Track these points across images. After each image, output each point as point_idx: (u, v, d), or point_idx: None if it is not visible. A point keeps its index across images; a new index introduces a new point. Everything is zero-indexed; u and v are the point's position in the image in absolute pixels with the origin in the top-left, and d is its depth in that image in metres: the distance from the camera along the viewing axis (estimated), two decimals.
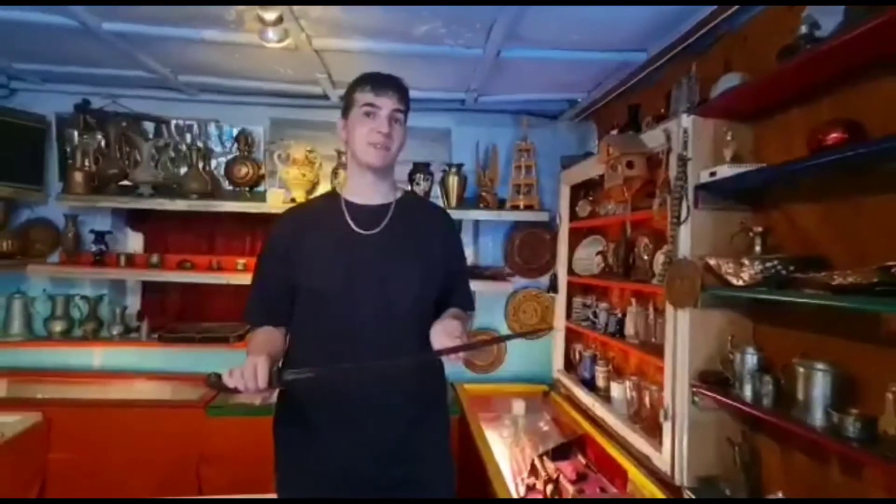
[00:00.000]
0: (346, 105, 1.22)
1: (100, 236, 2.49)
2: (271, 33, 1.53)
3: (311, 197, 1.40)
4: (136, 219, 2.71)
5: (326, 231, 1.22)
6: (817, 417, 1.07)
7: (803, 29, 1.17)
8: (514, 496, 1.87)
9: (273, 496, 1.25)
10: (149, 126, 2.65)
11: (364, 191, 1.24)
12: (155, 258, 2.55)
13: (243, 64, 2.12)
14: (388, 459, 1.18)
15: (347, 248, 1.19)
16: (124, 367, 2.55)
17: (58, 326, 2.50)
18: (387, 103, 1.16)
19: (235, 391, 0.98)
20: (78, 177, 2.42)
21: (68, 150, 2.53)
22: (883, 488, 1.05)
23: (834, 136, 1.05)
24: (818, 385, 1.08)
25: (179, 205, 2.45)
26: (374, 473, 1.17)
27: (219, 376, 0.98)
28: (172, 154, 2.58)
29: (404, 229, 1.23)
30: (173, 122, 2.67)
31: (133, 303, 2.70)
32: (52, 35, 1.88)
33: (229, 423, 2.17)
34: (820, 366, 1.08)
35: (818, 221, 1.25)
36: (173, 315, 2.69)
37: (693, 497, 1.40)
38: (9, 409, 2.08)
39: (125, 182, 2.52)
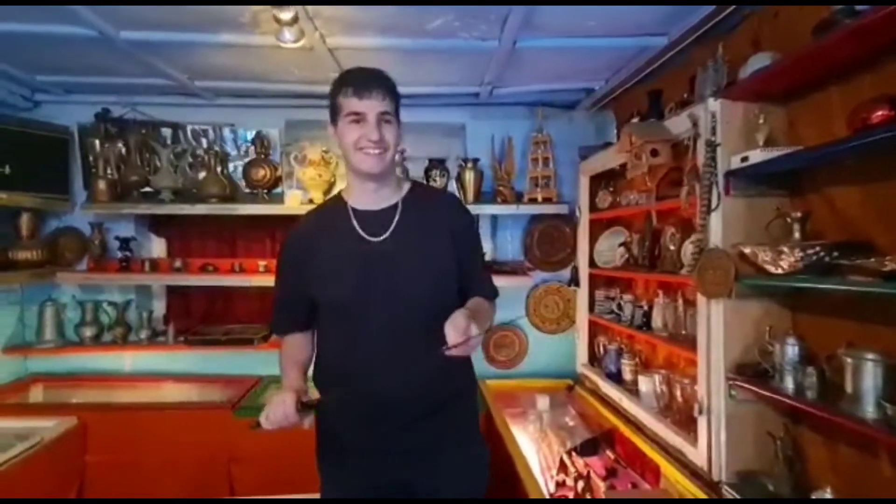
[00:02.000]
0: (333, 111, 1.15)
1: (124, 243, 2.54)
2: (287, 33, 1.52)
3: (319, 204, 1.35)
4: (159, 224, 2.75)
5: (335, 241, 1.19)
6: (868, 410, 1.02)
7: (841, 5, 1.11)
8: (545, 493, 1.85)
9: (301, 496, 1.28)
10: (167, 132, 2.68)
11: (367, 197, 1.20)
12: (178, 263, 2.58)
13: (258, 66, 2.12)
14: (418, 459, 1.18)
15: (357, 257, 1.16)
16: (153, 370, 2.60)
17: (88, 332, 2.55)
18: (373, 106, 1.09)
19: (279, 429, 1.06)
20: (102, 185, 2.46)
21: (91, 158, 2.58)
22: None
23: (880, 113, 0.99)
24: (868, 376, 1.03)
25: (199, 209, 2.47)
26: (406, 475, 1.18)
27: (258, 423, 1.08)
28: (190, 159, 2.61)
29: (413, 230, 1.19)
30: (190, 127, 2.70)
31: (159, 307, 2.74)
32: (72, 46, 1.91)
33: None
34: (870, 356, 1.03)
35: (860, 204, 1.19)
36: (198, 318, 2.73)
37: (733, 493, 1.36)
38: (46, 413, 2.14)
39: (147, 188, 2.56)
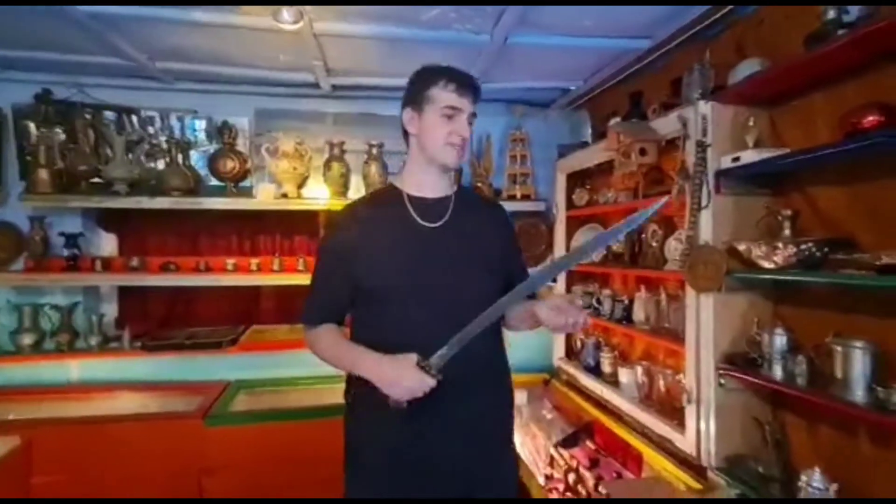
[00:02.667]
0: (420, 99, 1.16)
1: (71, 239, 2.29)
2: (286, 13, 1.42)
3: (368, 192, 1.36)
4: (109, 219, 2.50)
5: (390, 227, 1.18)
6: (858, 394, 1.11)
7: (831, 13, 1.18)
8: (539, 487, 1.87)
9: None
10: (111, 116, 2.43)
11: (427, 185, 1.22)
12: (135, 261, 2.37)
13: (233, 49, 1.98)
14: (465, 439, 1.16)
15: (414, 242, 1.17)
16: (105, 379, 2.36)
17: (27, 339, 2.29)
18: (468, 106, 1.15)
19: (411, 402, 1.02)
20: (43, 174, 2.20)
21: (27, 145, 2.30)
22: None
23: (870, 119, 1.07)
24: (858, 363, 1.11)
25: (160, 202, 2.28)
26: (451, 451, 1.15)
27: (396, 402, 1.02)
28: (147, 148, 2.40)
29: (466, 221, 1.21)
30: (146, 113, 2.48)
31: (110, 310, 2.51)
32: (11, 16, 1.68)
33: (230, 431, 2.06)
34: (859, 344, 1.12)
35: (843, 203, 1.28)
36: (157, 321, 2.52)
37: (722, 476, 1.43)
38: None
39: (97, 179, 2.32)
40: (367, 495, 1.18)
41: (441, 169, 1.20)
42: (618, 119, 2.16)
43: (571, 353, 2.64)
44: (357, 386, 1.17)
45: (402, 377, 1.02)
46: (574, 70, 2.30)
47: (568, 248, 2.61)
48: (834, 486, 1.18)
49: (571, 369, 2.49)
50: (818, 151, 1.16)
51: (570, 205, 2.61)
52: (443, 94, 1.13)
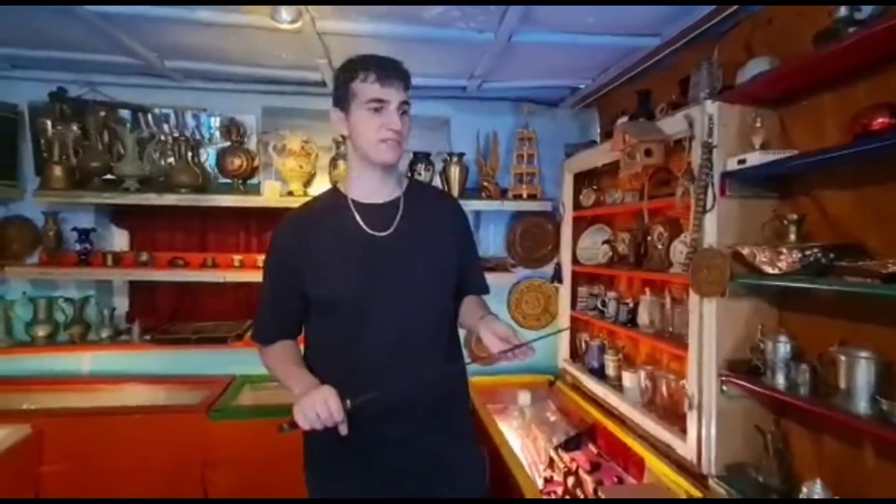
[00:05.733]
0: (344, 95, 1.09)
1: (84, 234, 2.34)
2: (284, 13, 1.43)
3: (313, 196, 1.27)
4: (121, 215, 2.55)
5: (336, 235, 1.13)
6: (861, 405, 1.07)
7: (842, 11, 1.14)
8: (537, 490, 1.86)
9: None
10: (126, 114, 2.48)
11: (372, 189, 1.15)
12: (145, 256, 2.41)
13: (238, 48, 1.99)
14: (417, 456, 1.14)
15: (361, 253, 1.11)
16: (115, 371, 2.42)
17: (41, 331, 2.35)
18: (395, 95, 1.06)
19: (312, 431, 0.95)
20: (57, 171, 2.26)
21: (43, 142, 2.35)
22: None
23: (881, 121, 1.03)
24: (862, 373, 1.07)
25: (169, 199, 2.32)
26: (406, 471, 1.13)
27: (292, 424, 0.96)
28: (158, 145, 2.44)
29: (416, 226, 1.16)
30: (157, 111, 2.52)
31: (121, 304, 2.56)
32: (24, 17, 1.72)
33: (233, 426, 2.09)
34: (864, 354, 1.08)
35: (852, 208, 1.24)
36: (166, 315, 2.56)
37: (722, 486, 1.40)
38: None
39: (109, 176, 2.36)
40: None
41: (382, 169, 1.13)
42: (625, 118, 2.12)
43: (576, 355, 2.61)
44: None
45: (310, 404, 0.94)
46: (582, 68, 2.27)
47: (574, 249, 2.59)
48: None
49: (576, 371, 2.47)
50: (825, 154, 1.12)
51: (577, 205, 2.58)
52: (364, 87, 1.05)
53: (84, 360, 2.41)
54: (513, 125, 2.76)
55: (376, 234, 1.12)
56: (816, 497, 1.15)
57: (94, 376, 2.40)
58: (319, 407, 0.93)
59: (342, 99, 1.10)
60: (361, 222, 1.13)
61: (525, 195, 2.67)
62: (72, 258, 2.37)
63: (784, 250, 1.20)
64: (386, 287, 1.10)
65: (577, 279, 2.61)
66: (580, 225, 2.58)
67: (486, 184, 2.70)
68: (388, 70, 1.06)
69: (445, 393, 1.18)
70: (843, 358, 1.12)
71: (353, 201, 1.15)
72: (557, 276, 2.70)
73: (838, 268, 1.12)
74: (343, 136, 1.17)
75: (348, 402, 0.96)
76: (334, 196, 1.19)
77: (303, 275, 1.11)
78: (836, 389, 1.13)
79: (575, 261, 2.58)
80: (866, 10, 1.12)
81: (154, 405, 2.22)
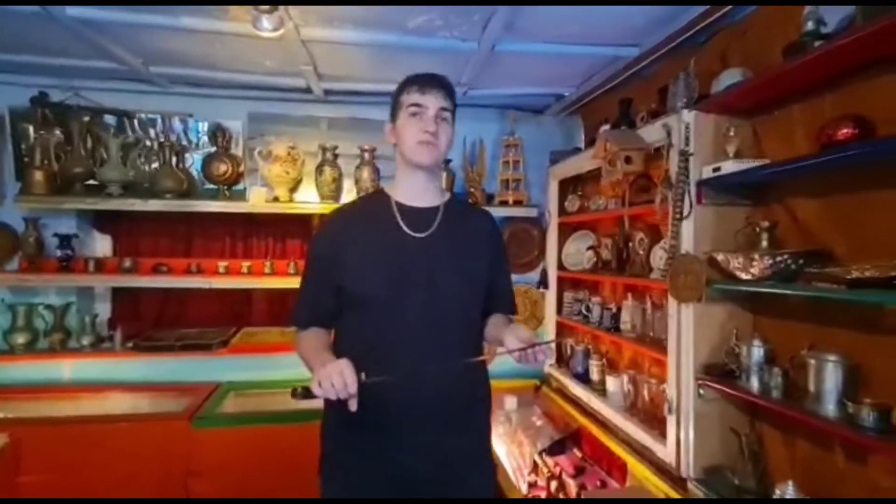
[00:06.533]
0: (394, 109, 1.21)
1: (65, 240, 2.31)
2: (266, 21, 1.44)
3: (357, 197, 1.35)
4: (104, 220, 2.53)
5: (376, 232, 1.19)
6: (829, 408, 1.10)
7: (809, 25, 1.18)
8: (521, 495, 1.87)
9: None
10: (113, 121, 2.47)
11: (414, 192, 1.22)
12: (128, 262, 2.39)
13: (223, 54, 2.00)
14: (436, 460, 1.15)
15: (399, 251, 1.17)
16: (97, 379, 2.38)
17: (20, 339, 2.31)
18: (433, 102, 1.15)
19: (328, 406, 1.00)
20: (38, 176, 2.23)
21: (24, 147, 2.33)
22: (891, 474, 1.09)
23: (844, 131, 1.07)
24: (830, 376, 1.10)
25: (154, 205, 2.31)
26: (422, 472, 1.15)
27: (306, 389, 0.97)
28: (142, 150, 2.42)
29: (454, 233, 1.22)
30: (141, 116, 2.51)
31: (103, 310, 2.53)
32: (4, 20, 1.71)
33: (217, 433, 2.07)
34: (832, 357, 1.11)
35: (820, 216, 1.27)
36: (149, 322, 2.54)
37: (701, 489, 1.43)
38: None
39: (91, 181, 2.35)
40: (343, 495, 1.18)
41: (421, 171, 1.20)
42: (608, 126, 2.16)
43: (562, 360, 2.63)
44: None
45: (327, 373, 0.96)
46: (565, 77, 2.31)
47: (560, 255, 2.61)
48: None
49: (561, 376, 2.49)
50: (795, 163, 1.16)
51: (562, 211, 2.61)
52: (407, 97, 1.16)
53: (64, 368, 2.38)
54: (499, 132, 2.79)
55: (415, 234, 1.18)
56: (789, 498, 1.18)
57: (75, 384, 2.37)
58: (335, 377, 0.95)
59: (393, 110, 1.21)
60: (401, 222, 1.19)
61: (511, 201, 2.70)
62: (52, 264, 2.34)
63: (756, 256, 1.23)
64: (417, 287, 1.14)
65: (562, 284, 2.64)
66: (565, 231, 2.61)
67: (472, 190, 2.72)
68: (428, 80, 1.17)
69: (469, 398, 1.22)
70: (812, 361, 1.15)
71: (397, 203, 1.22)
72: (543, 282, 2.73)
73: (807, 274, 1.15)
74: (395, 147, 1.24)
75: (363, 374, 0.98)
76: (380, 196, 1.26)
77: (340, 266, 1.17)
78: (807, 392, 1.16)
79: (561, 266, 2.60)
80: (832, 25, 1.17)
81: (136, 413, 2.20)
